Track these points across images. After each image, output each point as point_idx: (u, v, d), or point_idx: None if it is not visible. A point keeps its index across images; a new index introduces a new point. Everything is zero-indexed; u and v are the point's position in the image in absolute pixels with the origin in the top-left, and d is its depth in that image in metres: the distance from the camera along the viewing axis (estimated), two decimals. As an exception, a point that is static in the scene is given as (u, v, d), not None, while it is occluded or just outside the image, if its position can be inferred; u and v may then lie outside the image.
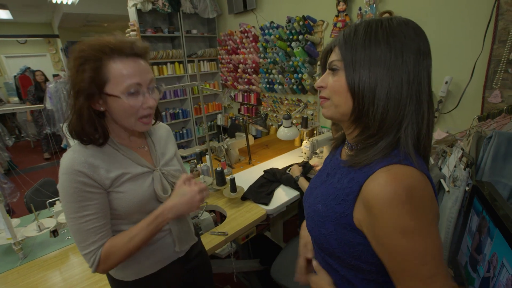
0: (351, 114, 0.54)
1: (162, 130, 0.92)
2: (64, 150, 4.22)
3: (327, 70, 0.57)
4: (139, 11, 2.88)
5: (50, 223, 1.39)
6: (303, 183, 1.52)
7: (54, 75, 5.20)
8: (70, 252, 1.31)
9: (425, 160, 0.53)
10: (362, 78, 0.50)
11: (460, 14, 1.57)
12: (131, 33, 2.69)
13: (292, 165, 1.90)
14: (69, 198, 0.66)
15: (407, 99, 0.49)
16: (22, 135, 5.78)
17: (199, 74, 1.46)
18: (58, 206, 1.56)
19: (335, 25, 2.11)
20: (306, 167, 1.74)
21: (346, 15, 2.06)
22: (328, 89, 0.56)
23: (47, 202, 1.55)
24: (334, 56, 0.55)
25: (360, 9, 1.97)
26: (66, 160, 0.67)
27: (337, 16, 2.10)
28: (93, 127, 0.68)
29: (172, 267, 0.86)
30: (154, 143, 0.85)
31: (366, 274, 0.55)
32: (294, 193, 1.60)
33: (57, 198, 1.60)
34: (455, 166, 1.31)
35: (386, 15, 1.85)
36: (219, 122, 3.83)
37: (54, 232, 1.44)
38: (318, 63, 2.37)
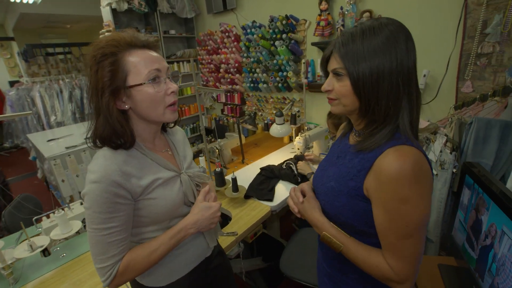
0: (358, 110, 0.64)
1: (179, 133, 0.91)
2: (31, 163, 3.87)
3: (331, 74, 0.65)
4: (113, 11, 2.73)
5: (42, 241, 1.27)
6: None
7: (13, 82, 4.74)
8: (68, 271, 1.22)
9: (417, 139, 0.64)
10: (367, 84, 0.58)
11: (434, 13, 1.71)
12: (106, 33, 2.55)
13: (287, 160, 1.95)
14: (97, 208, 0.62)
15: (403, 95, 0.59)
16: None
17: (195, 74, 1.43)
18: (46, 223, 1.44)
19: (318, 23, 2.18)
20: (301, 158, 1.81)
21: (328, 14, 2.14)
22: (335, 92, 0.65)
23: (33, 219, 1.43)
24: (336, 64, 0.62)
25: (341, 8, 2.06)
26: (98, 167, 0.63)
27: (319, 15, 2.17)
28: (122, 127, 0.66)
29: (200, 267, 0.86)
30: (176, 146, 0.84)
31: (373, 239, 0.65)
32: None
33: (44, 214, 1.48)
34: (440, 151, 1.43)
35: (366, 14, 1.95)
36: (201, 124, 3.76)
37: (45, 252, 1.33)
38: (303, 61, 2.43)
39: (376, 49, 0.57)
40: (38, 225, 1.46)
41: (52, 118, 3.71)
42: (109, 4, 2.63)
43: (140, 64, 0.65)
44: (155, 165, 0.73)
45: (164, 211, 0.71)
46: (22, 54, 5.00)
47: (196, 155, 2.10)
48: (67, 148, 2.48)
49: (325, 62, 0.67)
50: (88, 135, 0.68)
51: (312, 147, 2.20)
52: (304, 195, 0.79)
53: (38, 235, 1.41)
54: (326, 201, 0.71)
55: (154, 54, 0.69)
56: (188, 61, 3.58)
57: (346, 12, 2.03)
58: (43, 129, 3.73)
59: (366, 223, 0.64)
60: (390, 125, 0.60)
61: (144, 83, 0.65)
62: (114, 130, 0.65)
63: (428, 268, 1.17)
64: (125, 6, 2.72)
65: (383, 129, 0.61)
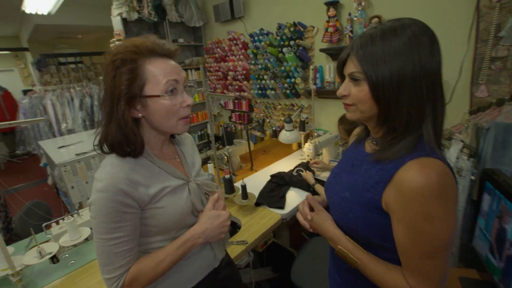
0: (377, 117, 0.60)
1: (188, 139, 0.90)
2: (42, 169, 3.93)
3: (348, 79, 0.62)
4: (124, 21, 2.80)
5: (51, 248, 1.27)
6: (320, 189, 1.53)
7: (26, 91, 4.88)
8: (77, 279, 1.20)
9: (440, 148, 0.59)
10: (386, 89, 0.54)
11: (445, 17, 1.69)
12: (117, 42, 2.60)
13: (298, 165, 1.92)
14: (103, 218, 0.61)
15: (427, 101, 0.55)
16: (-11, 156, 5.32)
17: (204, 81, 1.43)
18: (55, 229, 1.44)
19: (326, 30, 2.18)
20: (309, 167, 1.78)
21: (336, 20, 2.14)
22: (352, 97, 0.61)
23: (43, 225, 1.43)
24: (353, 67, 0.59)
25: (349, 14, 2.06)
26: (105, 175, 0.62)
27: (327, 21, 2.17)
28: (135, 135, 0.64)
29: (207, 278, 0.82)
30: (184, 153, 0.83)
31: (387, 253, 0.61)
32: (305, 194, 1.60)
33: (53, 220, 1.48)
34: (457, 158, 1.39)
35: (375, 19, 1.94)
36: (208, 131, 3.77)
37: (53, 258, 1.32)
38: (311, 67, 2.43)
39: (398, 51, 0.53)
40: (48, 231, 1.46)
41: (63, 126, 3.77)
42: (120, 14, 2.69)
43: (159, 74, 0.64)
44: (163, 173, 0.71)
45: (172, 220, 0.70)
46: (36, 64, 5.14)
47: (204, 162, 2.09)
48: (77, 154, 2.51)
49: (341, 66, 0.63)
50: (96, 141, 0.67)
51: (321, 153, 2.16)
52: (312, 209, 0.75)
53: (47, 241, 1.41)
54: (339, 212, 0.68)
55: (173, 63, 0.68)
56: (197, 69, 3.62)
57: (355, 18, 2.03)
58: (54, 136, 3.79)
59: (383, 237, 0.60)
60: (412, 134, 0.56)
61: (161, 95, 0.64)
62: (126, 138, 0.64)
63: (448, 281, 1.11)
64: (135, 15, 2.78)
65: (404, 139, 0.56)
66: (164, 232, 0.71)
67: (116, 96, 0.62)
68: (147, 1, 2.82)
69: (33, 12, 3.44)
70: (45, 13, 3.50)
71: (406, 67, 0.53)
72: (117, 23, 2.82)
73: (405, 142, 0.56)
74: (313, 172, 1.77)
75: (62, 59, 5.13)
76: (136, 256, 0.68)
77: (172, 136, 0.84)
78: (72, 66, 4.47)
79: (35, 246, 1.24)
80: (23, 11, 3.41)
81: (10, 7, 3.53)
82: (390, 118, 0.57)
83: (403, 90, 0.54)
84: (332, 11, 2.12)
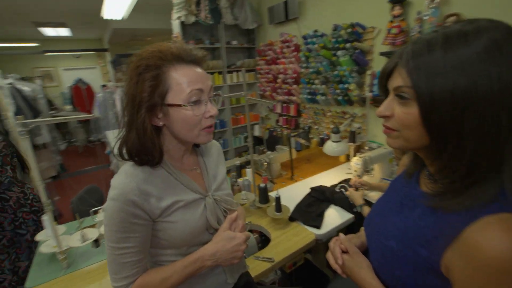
0: (427, 149, 0.46)
1: (213, 148, 0.84)
2: (107, 156, 4.46)
3: (392, 95, 0.47)
4: (182, 24, 2.96)
5: (93, 234, 1.38)
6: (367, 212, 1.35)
7: (103, 86, 5.64)
8: (109, 266, 1.27)
9: None
10: (444, 114, 0.40)
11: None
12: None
13: (343, 181, 1.74)
14: (112, 226, 0.60)
15: (508, 136, 0.38)
16: (72, 140, 6.27)
17: (245, 84, 1.39)
18: (101, 216, 1.56)
19: (389, 31, 1.93)
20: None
21: (402, 20, 1.87)
22: (395, 120, 0.47)
23: (90, 210, 1.56)
24: (401, 81, 0.44)
25: (419, 13, 1.78)
26: (117, 184, 0.61)
27: (391, 21, 1.93)
28: (153, 144, 0.62)
29: None
30: (206, 164, 0.78)
31: None
32: (347, 216, 1.43)
33: (100, 207, 1.61)
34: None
35: (452, 18, 1.64)
36: (256, 133, 3.76)
37: (96, 242, 1.43)
38: (368, 72, 2.19)
39: (465, 63, 0.38)
40: (94, 216, 1.59)
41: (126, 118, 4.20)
42: (179, 18, 2.86)
43: (183, 82, 0.60)
44: (179, 185, 0.67)
45: (182, 236, 0.65)
46: (112, 63, 5.89)
47: (243, 166, 2.05)
48: (132, 146, 2.74)
49: (385, 78, 0.49)
50: (116, 148, 0.66)
51: (372, 170, 1.92)
52: (344, 251, 0.63)
53: (94, 225, 1.54)
54: (381, 263, 0.54)
55: (200, 71, 0.64)
56: (247, 71, 3.64)
57: (425, 17, 1.74)
58: (119, 127, 4.26)
59: None
60: (485, 181, 0.40)
61: (183, 105, 0.60)
62: (144, 146, 0.62)
63: None
64: (192, 19, 2.92)
65: (477, 185, 0.41)
66: (174, 247, 0.67)
67: (137, 103, 0.60)
68: (205, 5, 2.93)
69: (110, 18, 3.91)
70: (119, 18, 3.94)
71: (476, 86, 0.38)
72: (176, 26, 3.01)
73: (479, 190, 0.40)
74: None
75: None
76: (145, 268, 0.66)
77: (197, 145, 0.80)
78: (139, 65, 4.99)
79: (81, 229, 1.36)
80: (102, 17, 3.91)
81: (95, 15, 4.10)
82: (446, 155, 0.42)
83: (469, 118, 0.39)
84: (397, 10, 1.86)
